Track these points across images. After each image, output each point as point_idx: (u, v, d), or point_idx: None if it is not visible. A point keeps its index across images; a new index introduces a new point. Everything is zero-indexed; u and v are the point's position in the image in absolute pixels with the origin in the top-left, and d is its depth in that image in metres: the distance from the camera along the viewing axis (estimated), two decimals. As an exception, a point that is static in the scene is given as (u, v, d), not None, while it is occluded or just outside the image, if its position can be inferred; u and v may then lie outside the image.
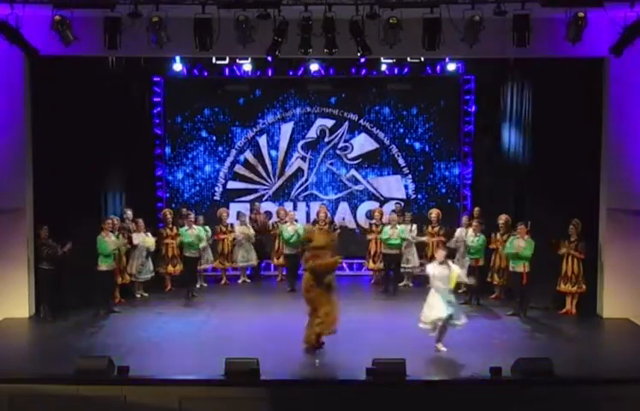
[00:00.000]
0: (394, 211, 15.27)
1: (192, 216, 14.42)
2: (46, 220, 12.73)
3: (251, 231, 15.29)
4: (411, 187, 16.45)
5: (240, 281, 15.45)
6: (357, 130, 16.45)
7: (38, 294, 12.79)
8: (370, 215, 16.08)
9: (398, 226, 14.42)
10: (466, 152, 16.35)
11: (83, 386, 8.76)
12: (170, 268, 14.54)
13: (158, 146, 16.33)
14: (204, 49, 11.04)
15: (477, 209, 14.64)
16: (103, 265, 12.74)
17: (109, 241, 12.76)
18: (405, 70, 15.79)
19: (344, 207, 16.48)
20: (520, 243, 12.57)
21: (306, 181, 16.54)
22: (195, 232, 14.19)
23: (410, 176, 16.45)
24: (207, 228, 14.78)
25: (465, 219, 14.41)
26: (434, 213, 15.01)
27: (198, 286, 14.66)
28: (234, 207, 16.26)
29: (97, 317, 12.57)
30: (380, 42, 10.94)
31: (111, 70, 14.18)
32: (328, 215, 15.34)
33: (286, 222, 15.02)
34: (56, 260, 12.55)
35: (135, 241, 13.77)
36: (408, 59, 15.09)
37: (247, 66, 15.45)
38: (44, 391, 8.77)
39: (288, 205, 16.13)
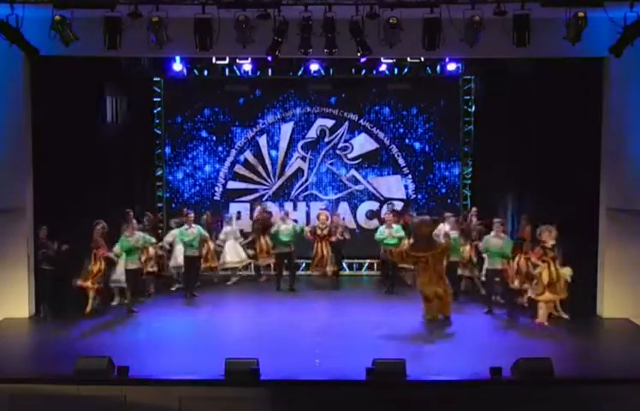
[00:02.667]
0: (389, 212, 15.24)
1: (192, 215, 14.33)
2: (46, 220, 12.74)
3: (238, 233, 15.12)
4: (411, 187, 16.45)
5: (230, 282, 15.29)
6: (357, 130, 16.45)
7: (39, 294, 12.78)
8: (370, 215, 16.16)
9: (394, 225, 14.38)
10: (466, 152, 16.36)
11: (83, 386, 8.76)
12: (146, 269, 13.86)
13: (158, 146, 16.35)
14: (204, 49, 11.04)
15: (473, 209, 14.66)
16: (129, 264, 12.86)
17: (131, 239, 12.87)
18: (405, 70, 15.80)
19: (344, 207, 16.47)
20: (498, 242, 12.66)
21: (306, 181, 16.54)
22: (195, 231, 14.11)
23: (410, 176, 16.45)
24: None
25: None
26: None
27: (197, 284, 14.60)
28: (234, 207, 16.29)
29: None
30: (380, 42, 10.94)
31: (111, 70, 14.18)
32: (329, 216, 15.10)
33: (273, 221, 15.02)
34: (55, 261, 12.55)
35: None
36: (408, 59, 15.09)
37: (247, 66, 15.45)
38: (44, 391, 8.78)
39: (288, 205, 16.16)
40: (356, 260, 16.20)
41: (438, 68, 15.81)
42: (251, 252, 15.37)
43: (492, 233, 12.85)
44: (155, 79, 16.15)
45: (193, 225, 14.20)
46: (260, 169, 16.50)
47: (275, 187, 16.51)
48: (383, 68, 15.47)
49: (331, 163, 16.52)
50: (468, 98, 16.30)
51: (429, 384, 9.23)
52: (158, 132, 16.31)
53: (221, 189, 16.48)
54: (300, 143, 16.49)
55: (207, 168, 16.46)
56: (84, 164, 13.64)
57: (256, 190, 16.49)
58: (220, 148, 16.43)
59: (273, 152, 16.48)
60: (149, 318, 12.70)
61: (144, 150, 15.96)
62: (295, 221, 15.24)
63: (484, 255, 13.19)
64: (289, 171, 16.52)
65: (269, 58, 11.59)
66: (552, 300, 12.24)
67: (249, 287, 15.29)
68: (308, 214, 16.31)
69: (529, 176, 14.55)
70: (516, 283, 12.55)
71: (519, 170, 14.79)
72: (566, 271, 12.20)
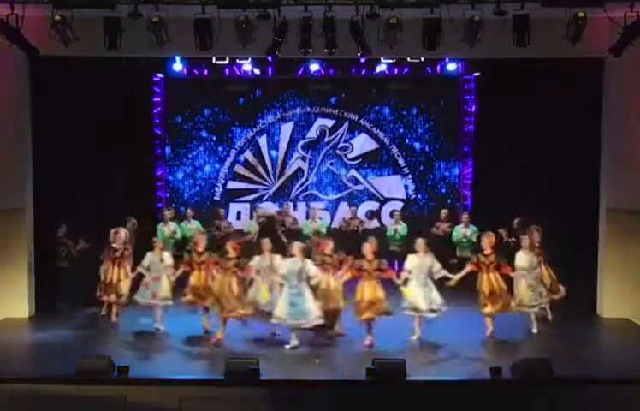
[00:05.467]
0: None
1: (190, 211, 14.98)
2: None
3: None
4: (411, 187, 16.46)
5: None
6: (357, 130, 16.46)
7: (48, 292, 12.84)
8: (370, 215, 16.16)
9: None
10: (466, 152, 16.36)
11: (83, 386, 8.76)
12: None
13: (158, 146, 16.34)
14: (204, 49, 11.04)
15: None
16: None
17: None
18: (405, 70, 15.79)
19: (344, 207, 16.45)
20: (467, 231, 14.14)
21: (306, 181, 16.54)
22: (194, 226, 14.52)
23: (410, 176, 16.45)
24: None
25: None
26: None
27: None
28: (234, 207, 16.29)
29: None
30: (380, 42, 10.94)
31: (111, 70, 14.17)
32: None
33: None
34: (73, 259, 12.74)
35: None
36: (408, 59, 15.08)
37: (247, 66, 15.45)
38: (44, 391, 8.78)
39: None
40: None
41: (438, 68, 15.80)
42: None
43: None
44: (155, 78, 16.15)
45: (192, 220, 14.70)
46: (260, 169, 16.50)
47: (275, 187, 16.51)
48: (383, 68, 15.47)
49: (331, 163, 16.52)
50: (468, 98, 16.30)
51: (429, 384, 9.24)
52: (158, 132, 16.31)
53: (221, 189, 16.48)
54: (300, 143, 16.49)
55: (207, 168, 16.46)
56: (84, 164, 13.64)
57: (256, 190, 16.50)
58: (220, 148, 16.43)
59: (273, 152, 16.49)
60: (149, 318, 12.69)
61: (144, 150, 15.95)
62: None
63: None
64: (289, 171, 16.52)
65: (269, 58, 11.60)
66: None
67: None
68: (308, 214, 16.29)
69: (529, 176, 14.54)
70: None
71: (519, 170, 14.79)
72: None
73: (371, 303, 11.05)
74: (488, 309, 11.48)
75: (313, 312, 10.90)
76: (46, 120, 12.89)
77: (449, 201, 16.27)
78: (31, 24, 10.92)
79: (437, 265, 11.44)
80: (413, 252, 11.54)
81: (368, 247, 11.41)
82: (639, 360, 10.49)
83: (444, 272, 11.48)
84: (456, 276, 11.51)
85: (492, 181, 15.44)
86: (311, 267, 11.15)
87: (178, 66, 15.28)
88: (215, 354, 10.51)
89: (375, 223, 16.15)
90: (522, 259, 11.80)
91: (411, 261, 11.43)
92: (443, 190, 16.46)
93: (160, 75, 16.04)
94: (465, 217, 14.79)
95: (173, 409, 8.68)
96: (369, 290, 11.10)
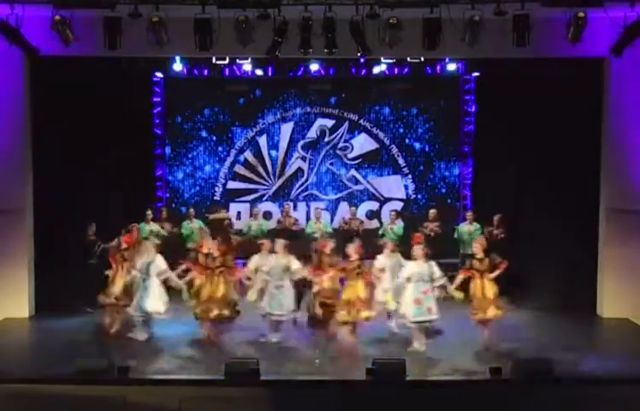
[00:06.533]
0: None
1: (192, 210, 15.21)
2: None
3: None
4: (411, 187, 16.45)
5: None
6: (357, 130, 16.45)
7: (54, 292, 12.88)
8: (370, 215, 16.15)
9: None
10: (466, 152, 16.35)
11: (83, 386, 8.76)
12: None
13: (158, 146, 16.34)
14: (204, 49, 11.05)
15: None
16: None
17: None
18: (405, 70, 15.79)
19: (344, 207, 16.46)
20: (470, 228, 14.34)
21: (306, 181, 16.54)
22: (196, 225, 14.77)
23: (410, 176, 16.45)
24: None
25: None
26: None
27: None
28: (234, 207, 16.29)
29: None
30: (380, 42, 10.95)
31: (111, 70, 14.19)
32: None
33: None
34: (104, 256, 12.77)
35: None
36: (408, 59, 15.09)
37: (247, 66, 15.45)
38: (44, 391, 8.76)
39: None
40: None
41: (438, 67, 15.80)
42: None
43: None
44: (155, 78, 16.15)
45: (194, 220, 14.93)
46: (260, 169, 16.50)
47: (275, 188, 16.51)
48: (383, 68, 15.47)
49: (331, 163, 16.52)
50: (468, 98, 16.30)
51: (429, 384, 9.24)
52: (158, 132, 16.31)
53: (221, 189, 16.48)
54: (300, 143, 16.49)
55: (207, 168, 16.45)
56: (84, 164, 13.65)
57: (256, 190, 16.50)
58: (220, 148, 16.42)
59: (273, 152, 16.49)
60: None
61: (144, 150, 15.95)
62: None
63: None
64: (289, 171, 16.52)
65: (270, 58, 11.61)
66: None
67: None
68: (308, 214, 16.30)
69: (529, 176, 14.55)
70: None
71: (519, 170, 14.79)
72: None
73: (211, 301, 11.22)
74: (343, 316, 11.20)
75: (150, 306, 11.33)
76: (46, 120, 12.90)
77: (449, 201, 16.28)
78: (31, 24, 10.93)
79: (295, 266, 11.36)
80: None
81: (216, 245, 11.64)
82: (639, 360, 10.49)
83: (301, 273, 11.44)
84: (324, 276, 11.45)
85: (492, 181, 15.44)
86: (160, 263, 11.45)
87: (178, 66, 15.26)
88: (215, 355, 10.52)
89: (375, 223, 16.14)
90: (407, 268, 11.20)
91: (266, 262, 11.38)
92: (443, 190, 16.45)
93: (160, 75, 16.05)
94: (469, 214, 14.91)
95: (173, 409, 8.66)
96: (210, 289, 11.27)
